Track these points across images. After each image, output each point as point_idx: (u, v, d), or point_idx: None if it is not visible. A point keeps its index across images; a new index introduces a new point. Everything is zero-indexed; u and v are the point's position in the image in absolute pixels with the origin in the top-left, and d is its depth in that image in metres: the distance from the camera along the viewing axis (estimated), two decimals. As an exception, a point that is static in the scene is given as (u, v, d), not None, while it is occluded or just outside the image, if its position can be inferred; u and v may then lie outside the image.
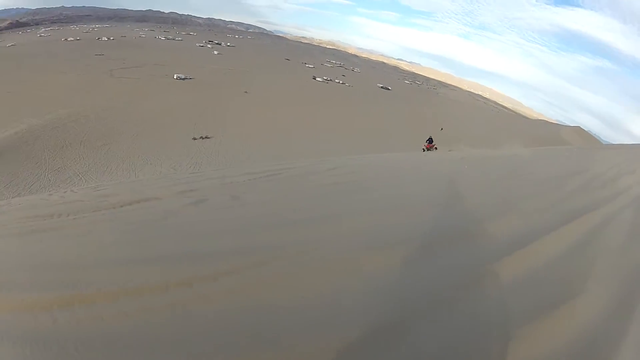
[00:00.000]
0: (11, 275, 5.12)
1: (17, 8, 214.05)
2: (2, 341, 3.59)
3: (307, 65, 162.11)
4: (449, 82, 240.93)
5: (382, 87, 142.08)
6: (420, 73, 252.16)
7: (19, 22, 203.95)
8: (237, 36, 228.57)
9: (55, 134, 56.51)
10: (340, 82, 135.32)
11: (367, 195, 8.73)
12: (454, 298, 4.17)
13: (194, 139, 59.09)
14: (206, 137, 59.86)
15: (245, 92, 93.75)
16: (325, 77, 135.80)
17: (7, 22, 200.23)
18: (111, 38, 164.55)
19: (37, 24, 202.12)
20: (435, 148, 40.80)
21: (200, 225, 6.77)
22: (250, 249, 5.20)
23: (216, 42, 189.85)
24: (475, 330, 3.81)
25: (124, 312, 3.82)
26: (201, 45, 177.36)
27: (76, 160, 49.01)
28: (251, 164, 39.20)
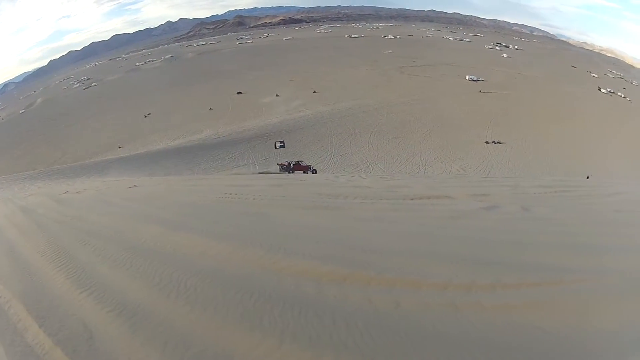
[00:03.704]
0: (289, 242, 5.71)
1: (287, 6, 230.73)
2: (265, 297, 4.01)
3: (591, 74, 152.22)
4: None
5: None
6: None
7: (292, 18, 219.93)
8: (523, 39, 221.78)
9: (345, 122, 60.79)
10: (622, 95, 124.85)
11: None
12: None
13: (487, 142, 59.17)
14: (498, 142, 59.51)
15: (529, 99, 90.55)
16: (609, 89, 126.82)
17: (279, 18, 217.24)
18: (397, 36, 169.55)
19: (314, 21, 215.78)
20: None
21: (490, 232, 6.89)
22: (533, 266, 5.12)
23: (504, 44, 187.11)
24: None
25: (396, 300, 3.93)
26: (489, 47, 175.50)
27: (365, 148, 52.52)
28: (542, 177, 38.43)
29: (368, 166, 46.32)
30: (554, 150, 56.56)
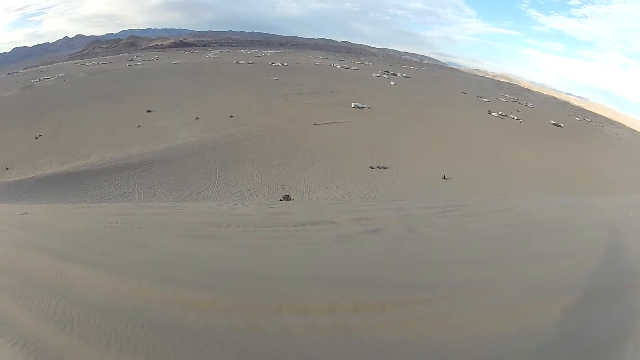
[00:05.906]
0: (173, 272, 5.62)
1: (179, 29, 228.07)
2: (154, 329, 3.99)
3: (482, 99, 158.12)
4: (615, 118, 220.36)
5: (554, 124, 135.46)
6: (589, 109, 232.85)
7: (183, 42, 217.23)
8: (412, 67, 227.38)
9: (228, 150, 61.36)
10: (515, 117, 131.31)
11: (536, 239, 8.72)
12: (596, 355, 4.13)
13: (371, 167, 61.04)
14: (383, 167, 61.49)
15: (419, 122, 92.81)
16: (500, 112, 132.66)
17: (170, 40, 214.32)
18: (285, 64, 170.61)
19: (204, 45, 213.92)
20: None
21: (374, 254, 6.93)
22: (422, 284, 5.31)
23: (392, 72, 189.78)
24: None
25: (285, 325, 4.04)
26: (377, 75, 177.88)
27: (248, 176, 52.96)
28: (428, 198, 39.18)
29: (251, 194, 47.00)
30: (439, 173, 58.45)
